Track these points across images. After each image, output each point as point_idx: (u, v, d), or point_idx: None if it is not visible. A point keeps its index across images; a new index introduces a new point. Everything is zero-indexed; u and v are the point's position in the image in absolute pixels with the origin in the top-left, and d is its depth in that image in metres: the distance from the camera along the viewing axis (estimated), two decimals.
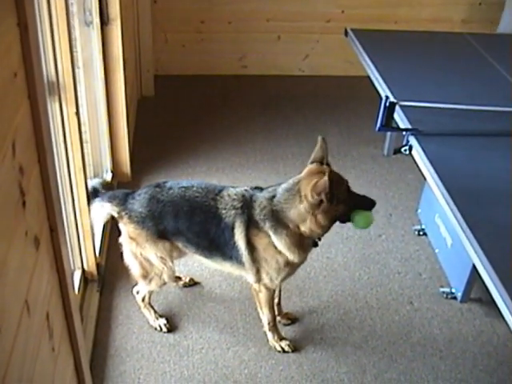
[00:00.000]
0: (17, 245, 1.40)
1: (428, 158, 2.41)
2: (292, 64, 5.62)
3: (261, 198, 2.55)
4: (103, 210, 2.73)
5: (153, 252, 2.70)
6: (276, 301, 2.94)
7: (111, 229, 3.54)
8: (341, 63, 5.49)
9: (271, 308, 2.82)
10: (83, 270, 3.02)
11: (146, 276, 2.79)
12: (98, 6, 3.28)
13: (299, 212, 2.42)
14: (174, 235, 2.66)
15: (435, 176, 2.32)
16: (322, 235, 2.53)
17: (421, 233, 3.65)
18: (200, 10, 5.29)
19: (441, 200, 2.26)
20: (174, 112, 4.94)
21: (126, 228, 2.69)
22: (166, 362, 2.77)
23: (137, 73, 4.96)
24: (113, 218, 2.76)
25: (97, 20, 3.33)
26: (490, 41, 3.91)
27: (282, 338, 2.88)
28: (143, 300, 2.93)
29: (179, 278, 3.20)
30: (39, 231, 1.60)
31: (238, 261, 2.61)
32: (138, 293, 2.94)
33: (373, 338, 2.95)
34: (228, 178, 4.11)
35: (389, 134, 2.92)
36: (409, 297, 3.20)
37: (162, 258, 2.71)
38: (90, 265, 3.03)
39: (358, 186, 4.05)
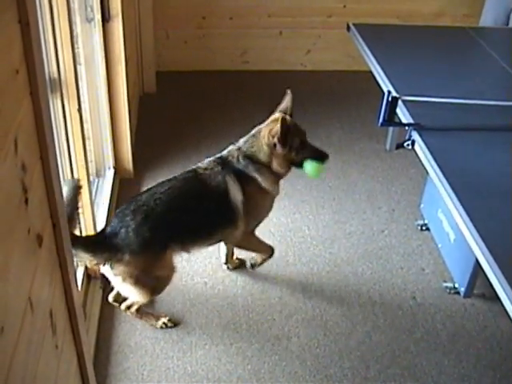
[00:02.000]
0: (19, 242, 1.40)
1: (431, 153, 2.40)
2: (294, 59, 5.61)
3: (230, 152, 2.81)
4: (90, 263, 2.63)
5: (162, 267, 2.68)
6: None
7: None
8: (343, 58, 5.49)
9: (264, 242, 3.08)
10: (86, 267, 3.02)
11: (153, 292, 2.78)
12: (99, 2, 3.28)
13: (265, 153, 2.73)
14: (172, 241, 2.65)
15: (438, 171, 2.31)
16: (285, 175, 2.86)
17: (423, 228, 3.64)
18: (201, 5, 5.29)
19: (444, 195, 2.25)
20: (176, 108, 4.93)
21: (129, 269, 2.56)
22: (169, 358, 2.78)
23: (138, 69, 4.95)
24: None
25: (98, 16, 3.33)
26: (492, 35, 3.90)
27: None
28: (138, 311, 2.87)
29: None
30: (42, 228, 1.59)
31: (233, 222, 2.76)
32: (129, 307, 2.86)
33: (376, 333, 2.95)
34: None
35: (391, 128, 2.91)
36: (412, 292, 3.20)
37: (170, 268, 2.72)
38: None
39: (360, 181, 4.10)
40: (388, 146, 2.95)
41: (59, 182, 1.73)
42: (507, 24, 4.62)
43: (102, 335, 2.86)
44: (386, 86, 2.93)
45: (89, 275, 3.05)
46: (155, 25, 5.03)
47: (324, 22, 5.44)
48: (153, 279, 2.70)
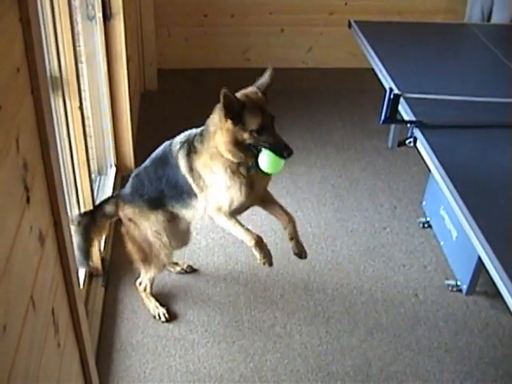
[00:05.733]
0: (21, 240, 1.40)
1: (433, 150, 2.40)
2: (295, 57, 5.61)
3: (201, 128, 2.66)
4: (102, 216, 2.87)
5: (147, 227, 2.80)
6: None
7: (116, 224, 3.55)
8: (344, 55, 5.47)
9: (242, 227, 2.59)
10: (88, 265, 3.01)
11: (145, 259, 2.89)
12: (100, 0, 3.27)
13: (213, 123, 2.51)
14: (159, 200, 2.75)
15: (440, 168, 2.31)
16: (235, 159, 2.45)
17: (426, 225, 3.64)
18: (203, 3, 5.28)
19: (446, 192, 2.25)
20: (178, 106, 4.93)
21: (124, 213, 2.84)
22: (171, 356, 2.78)
23: (140, 67, 4.95)
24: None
25: (99, 14, 3.33)
26: (495, 31, 3.89)
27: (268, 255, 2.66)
28: (145, 290, 3.01)
29: (177, 264, 3.27)
30: (44, 227, 1.59)
31: (191, 195, 2.65)
32: (140, 284, 3.03)
33: (378, 330, 2.95)
34: None
35: (393, 126, 2.91)
36: (414, 289, 3.20)
37: (156, 231, 2.80)
38: (95, 260, 3.03)
39: (362, 179, 4.09)
40: (390, 144, 2.95)
41: (61, 180, 1.73)
42: (489, 20, 4.65)
43: (104, 333, 2.86)
44: (387, 83, 2.93)
45: (91, 273, 3.05)
46: (156, 22, 5.02)
47: (325, 20, 5.43)
48: (143, 241, 2.84)
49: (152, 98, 5.04)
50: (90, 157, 2.97)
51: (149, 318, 2.96)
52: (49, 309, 1.64)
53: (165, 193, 2.73)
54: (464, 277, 3.13)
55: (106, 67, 3.50)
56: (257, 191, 2.63)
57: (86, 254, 2.83)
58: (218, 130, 2.46)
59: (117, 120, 3.79)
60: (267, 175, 2.56)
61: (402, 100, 2.68)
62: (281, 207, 2.76)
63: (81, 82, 2.74)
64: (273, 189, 3.86)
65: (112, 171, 3.86)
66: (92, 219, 2.84)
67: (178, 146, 2.65)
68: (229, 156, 2.45)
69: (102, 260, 3.07)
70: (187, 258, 3.31)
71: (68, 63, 2.54)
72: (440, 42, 3.56)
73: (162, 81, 5.18)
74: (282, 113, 4.83)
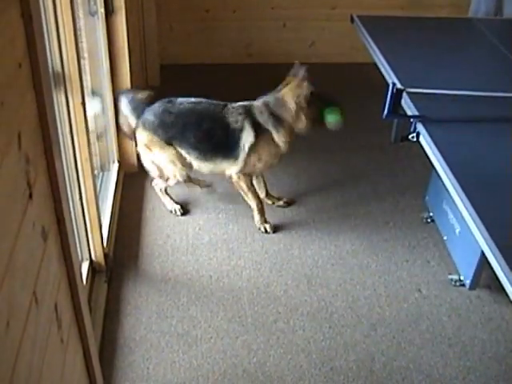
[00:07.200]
0: (24, 236, 1.40)
1: (436, 145, 2.40)
2: (298, 51, 5.57)
3: (258, 105, 3.28)
4: (125, 116, 3.37)
5: (162, 157, 3.30)
6: (263, 194, 3.63)
7: (118, 219, 3.55)
8: (347, 50, 5.46)
9: (254, 192, 3.45)
10: (91, 261, 3.02)
11: (162, 176, 3.44)
12: None
13: (292, 114, 3.21)
14: (180, 143, 3.25)
15: (443, 163, 2.30)
16: (306, 132, 3.28)
17: (429, 220, 3.63)
18: None
19: (449, 187, 2.25)
20: None
21: (141, 136, 3.29)
22: (174, 351, 2.78)
23: (142, 62, 4.94)
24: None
25: (101, 10, 3.32)
26: (498, 26, 3.88)
27: (266, 221, 3.50)
28: (160, 190, 3.58)
29: (191, 180, 3.65)
30: (46, 222, 1.59)
31: (234, 158, 3.25)
32: (156, 184, 3.59)
33: (381, 325, 2.95)
34: None
35: (396, 121, 2.90)
36: (417, 284, 3.20)
37: (171, 161, 3.31)
38: (98, 255, 3.03)
39: (365, 174, 4.09)
40: (393, 139, 2.94)
41: (63, 176, 1.73)
42: (497, 14, 4.61)
43: (107, 329, 2.87)
44: (390, 78, 2.92)
45: (94, 269, 3.05)
46: (159, 18, 5.02)
47: (328, 14, 5.42)
48: (162, 165, 3.37)
49: (154, 93, 5.01)
50: (93, 152, 2.97)
51: (152, 314, 2.96)
52: (52, 305, 1.64)
53: (190, 140, 3.23)
54: (467, 271, 3.12)
55: (108, 63, 3.50)
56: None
57: None
58: (296, 116, 3.21)
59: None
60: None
61: (404, 95, 2.68)
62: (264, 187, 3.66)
63: (83, 77, 2.74)
64: (275, 184, 3.88)
65: (115, 167, 3.86)
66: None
67: (242, 116, 3.21)
68: (305, 130, 3.27)
69: (105, 256, 3.07)
70: (189, 252, 3.31)
71: (70, 59, 2.53)
72: (443, 36, 3.55)
73: (165, 76, 5.18)
74: None
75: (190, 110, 3.26)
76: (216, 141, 3.23)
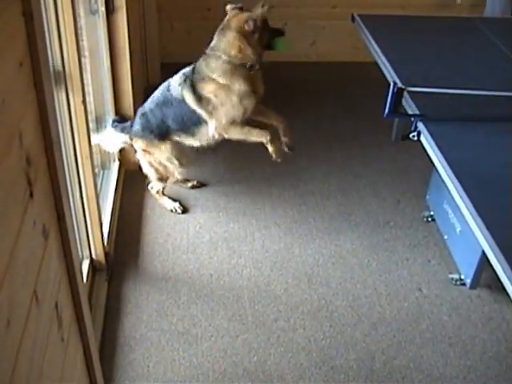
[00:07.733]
0: (25, 235, 1.40)
1: (436, 144, 2.40)
2: (299, 51, 5.57)
3: (197, 61, 3.28)
4: (118, 139, 3.54)
5: (160, 155, 3.46)
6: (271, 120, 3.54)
7: (119, 218, 3.56)
8: (348, 49, 5.45)
9: (255, 129, 3.34)
10: (91, 259, 3.03)
11: (161, 178, 3.58)
12: None
13: (230, 42, 3.15)
14: (170, 133, 3.40)
15: (444, 162, 2.30)
16: (254, 61, 3.21)
17: (429, 219, 3.63)
18: None
19: (449, 186, 2.24)
20: None
21: (138, 145, 3.50)
22: (175, 350, 2.78)
23: (143, 61, 4.94)
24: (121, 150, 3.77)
25: (102, 8, 3.33)
26: (499, 25, 3.87)
27: (280, 149, 3.44)
28: (157, 192, 3.68)
29: (188, 180, 3.86)
30: (47, 221, 1.59)
31: (202, 120, 3.29)
32: (152, 188, 3.69)
33: (382, 324, 2.95)
34: (235, 164, 4.11)
35: (397, 119, 2.90)
36: (417, 283, 3.20)
37: (168, 157, 3.45)
38: (99, 254, 3.04)
39: (365, 173, 4.08)
40: (393, 138, 2.94)
41: (64, 174, 1.73)
42: None
43: (107, 327, 2.87)
44: (391, 76, 2.91)
45: (94, 267, 3.05)
46: (160, 16, 5.02)
47: (328, 13, 5.41)
48: (157, 164, 3.52)
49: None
50: (93, 151, 2.97)
51: (152, 312, 2.96)
52: (52, 303, 1.64)
53: (171, 127, 3.36)
54: (468, 271, 3.12)
55: (109, 61, 3.50)
56: (259, 93, 3.29)
57: None
58: (241, 45, 3.13)
59: (120, 114, 3.79)
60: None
61: (405, 94, 2.68)
62: (273, 112, 3.51)
63: (84, 76, 2.73)
64: (275, 182, 3.88)
65: (115, 166, 3.86)
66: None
67: (180, 87, 3.26)
68: (243, 59, 3.16)
69: (106, 254, 3.07)
70: (190, 251, 3.31)
71: (71, 57, 2.53)
72: (444, 35, 3.54)
73: (166, 75, 5.13)
74: (284, 106, 4.83)
75: (155, 104, 3.39)
76: (183, 117, 3.32)
